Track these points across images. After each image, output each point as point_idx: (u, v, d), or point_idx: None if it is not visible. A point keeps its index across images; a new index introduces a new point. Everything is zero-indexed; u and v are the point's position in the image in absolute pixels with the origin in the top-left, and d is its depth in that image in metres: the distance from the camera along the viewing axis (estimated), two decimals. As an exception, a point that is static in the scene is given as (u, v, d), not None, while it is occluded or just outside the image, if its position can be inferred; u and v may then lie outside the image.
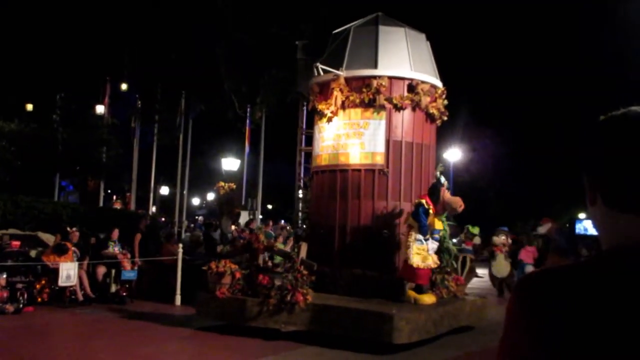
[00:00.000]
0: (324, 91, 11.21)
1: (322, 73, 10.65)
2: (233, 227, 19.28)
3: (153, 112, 29.60)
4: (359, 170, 10.82)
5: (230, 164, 31.47)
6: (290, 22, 25.45)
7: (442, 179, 10.30)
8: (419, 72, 11.07)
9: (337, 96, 10.79)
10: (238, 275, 10.10)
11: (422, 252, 9.95)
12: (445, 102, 11.42)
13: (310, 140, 11.98)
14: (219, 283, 9.97)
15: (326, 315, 9.34)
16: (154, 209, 31.50)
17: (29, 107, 28.13)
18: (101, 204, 29.36)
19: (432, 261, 10.12)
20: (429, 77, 11.24)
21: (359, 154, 10.82)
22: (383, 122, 10.76)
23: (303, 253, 9.85)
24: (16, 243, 13.32)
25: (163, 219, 33.87)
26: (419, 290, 9.97)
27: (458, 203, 9.89)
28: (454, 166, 30.94)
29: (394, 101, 10.72)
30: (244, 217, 25.98)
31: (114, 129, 28.27)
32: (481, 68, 32.59)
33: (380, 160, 10.75)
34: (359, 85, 10.85)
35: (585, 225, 30.87)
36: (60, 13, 27.90)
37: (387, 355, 8.69)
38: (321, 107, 11.12)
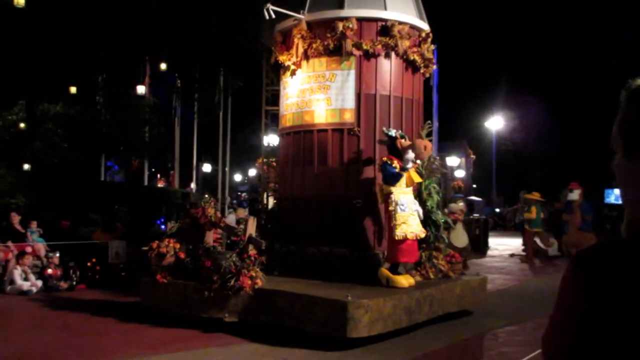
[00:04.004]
0: (287, 40, 9.08)
1: (273, 16, 8.42)
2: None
3: (192, 91, 28.52)
4: (326, 131, 8.62)
5: (270, 139, 29.93)
6: None
7: (392, 131, 7.94)
8: (395, 12, 8.68)
9: (299, 44, 8.65)
10: (182, 256, 8.21)
11: (407, 220, 7.75)
12: (432, 47, 9.03)
13: (275, 99, 9.90)
14: (160, 266, 8.12)
15: (276, 302, 7.36)
16: (193, 185, 30.24)
17: (73, 89, 27.54)
18: (145, 182, 28.80)
19: (420, 229, 7.90)
20: (409, 17, 8.81)
21: (325, 111, 8.61)
22: (352, 73, 8.49)
23: (251, 229, 7.84)
24: (66, 223, 13.47)
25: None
26: (395, 269, 7.79)
27: (420, 146, 7.56)
28: (497, 135, 27.91)
29: (364, 47, 8.42)
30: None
31: (155, 109, 27.78)
32: (524, 34, 29.38)
33: (349, 117, 8.53)
34: (323, 30, 8.63)
35: (618, 194, 27.50)
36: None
37: (343, 352, 6.65)
38: (282, 58, 9.01)
